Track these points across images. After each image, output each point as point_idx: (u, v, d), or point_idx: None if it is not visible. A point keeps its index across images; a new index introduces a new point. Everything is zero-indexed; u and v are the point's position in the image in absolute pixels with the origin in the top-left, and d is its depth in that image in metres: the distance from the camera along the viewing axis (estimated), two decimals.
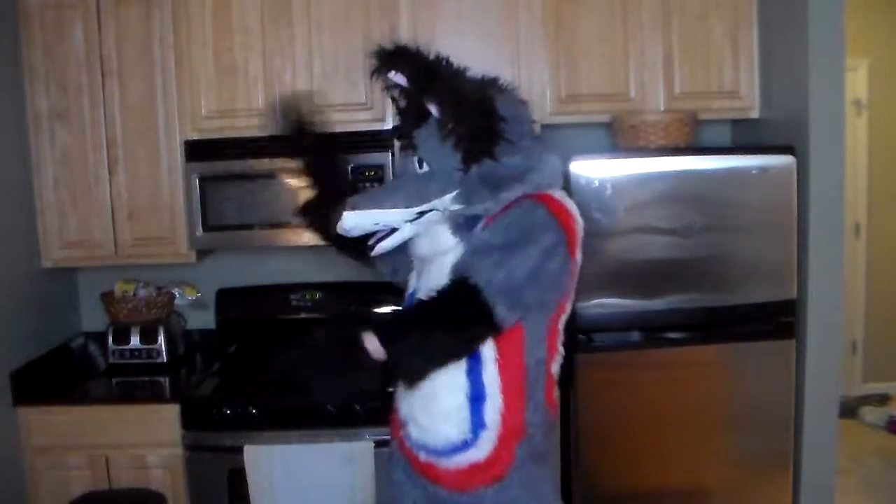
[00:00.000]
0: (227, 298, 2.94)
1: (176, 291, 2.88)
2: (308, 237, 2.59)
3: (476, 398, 1.60)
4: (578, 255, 1.61)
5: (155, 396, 2.63)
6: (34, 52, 2.62)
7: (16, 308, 2.58)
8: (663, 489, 2.44)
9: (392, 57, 1.55)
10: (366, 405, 2.36)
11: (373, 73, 1.59)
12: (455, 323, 1.52)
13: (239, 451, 2.33)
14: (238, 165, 2.60)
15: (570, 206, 1.61)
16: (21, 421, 2.50)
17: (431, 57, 1.56)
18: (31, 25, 2.62)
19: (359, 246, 1.74)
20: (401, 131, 1.69)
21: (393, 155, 2.54)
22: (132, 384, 2.72)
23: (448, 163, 1.57)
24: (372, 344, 1.56)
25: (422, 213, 1.60)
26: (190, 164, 2.61)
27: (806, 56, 2.34)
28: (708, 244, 2.39)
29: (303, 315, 2.91)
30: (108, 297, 2.83)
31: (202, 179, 2.61)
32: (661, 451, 2.41)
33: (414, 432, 1.67)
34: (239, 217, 2.62)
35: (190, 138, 2.63)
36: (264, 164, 2.61)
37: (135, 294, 2.82)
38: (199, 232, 2.63)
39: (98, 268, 2.86)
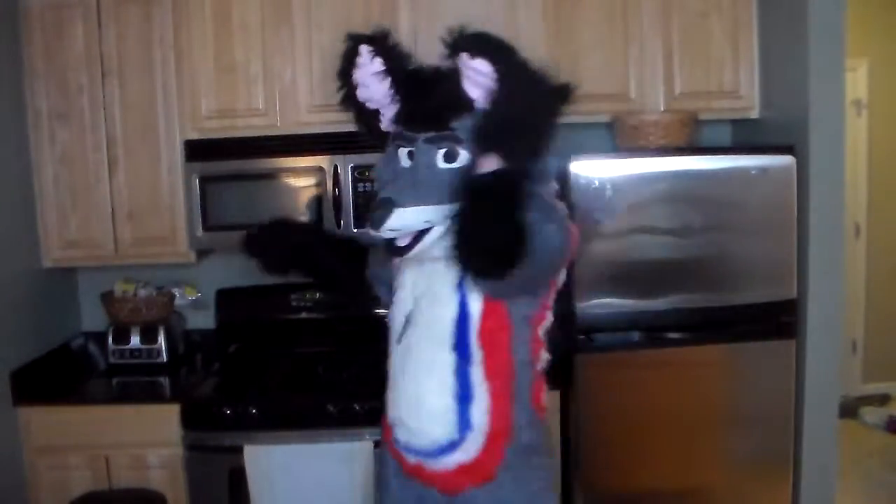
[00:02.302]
0: (227, 298, 2.94)
1: (176, 291, 2.88)
2: None
3: (463, 399, 1.61)
4: (562, 274, 1.66)
5: (155, 396, 2.63)
6: (34, 52, 2.63)
7: (16, 308, 2.58)
8: (663, 489, 2.44)
9: (476, 41, 1.46)
10: (366, 405, 2.36)
11: (450, 55, 1.48)
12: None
13: (239, 451, 2.33)
14: (238, 165, 2.60)
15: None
16: (21, 421, 2.50)
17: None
18: (31, 25, 2.62)
19: (353, 278, 1.82)
20: (428, 124, 1.56)
21: None
22: (132, 384, 2.72)
23: None
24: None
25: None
26: (190, 164, 2.61)
27: (806, 56, 2.34)
28: (708, 244, 2.39)
29: (303, 315, 2.91)
30: (108, 297, 2.83)
31: (202, 179, 2.61)
32: (661, 451, 2.41)
33: (402, 435, 1.68)
34: (239, 217, 2.61)
35: (190, 138, 2.63)
36: (264, 164, 2.61)
37: (135, 294, 2.82)
38: (199, 232, 2.63)
39: (98, 268, 2.86)
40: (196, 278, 2.94)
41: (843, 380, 2.67)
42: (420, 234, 1.57)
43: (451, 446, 1.62)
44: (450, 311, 1.61)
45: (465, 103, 1.51)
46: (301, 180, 2.60)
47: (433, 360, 1.62)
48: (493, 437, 1.63)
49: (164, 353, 2.78)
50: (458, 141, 1.54)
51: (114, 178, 2.67)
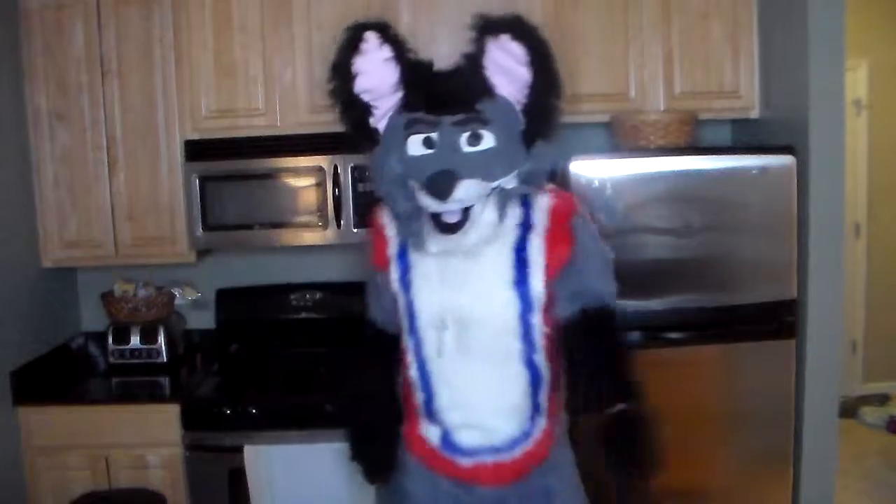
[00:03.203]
0: (227, 298, 2.94)
1: (176, 291, 2.88)
2: (308, 237, 2.62)
3: (534, 386, 1.59)
4: None
5: (155, 396, 2.63)
6: (34, 52, 2.63)
7: (16, 308, 2.58)
8: (663, 489, 2.43)
9: (511, 24, 1.46)
10: None
11: (482, 38, 1.48)
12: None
13: (239, 451, 2.33)
14: (238, 165, 2.60)
15: None
16: (21, 421, 2.50)
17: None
18: (31, 25, 2.62)
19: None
20: (453, 106, 1.53)
21: None
22: (132, 384, 2.72)
23: (514, 139, 1.53)
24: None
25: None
26: (190, 164, 2.61)
27: (806, 56, 2.33)
28: (708, 244, 2.39)
29: (303, 315, 2.91)
30: (108, 297, 2.83)
31: (202, 179, 2.61)
32: (660, 450, 2.41)
33: (468, 438, 1.61)
34: (239, 217, 2.62)
35: (190, 138, 2.63)
36: (264, 164, 2.61)
37: (135, 294, 2.82)
38: (199, 232, 2.63)
39: (98, 268, 2.86)
40: (196, 278, 2.94)
41: (843, 380, 2.67)
42: (465, 213, 1.52)
43: (525, 436, 1.61)
44: (511, 302, 1.56)
45: (489, 86, 1.51)
46: (301, 180, 2.60)
47: (503, 352, 1.57)
48: (551, 418, 1.64)
49: (164, 353, 2.78)
50: (486, 122, 1.51)
51: (114, 178, 2.67)
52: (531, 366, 1.59)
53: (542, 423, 1.63)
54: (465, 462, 1.62)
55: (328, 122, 2.55)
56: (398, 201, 1.57)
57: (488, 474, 1.62)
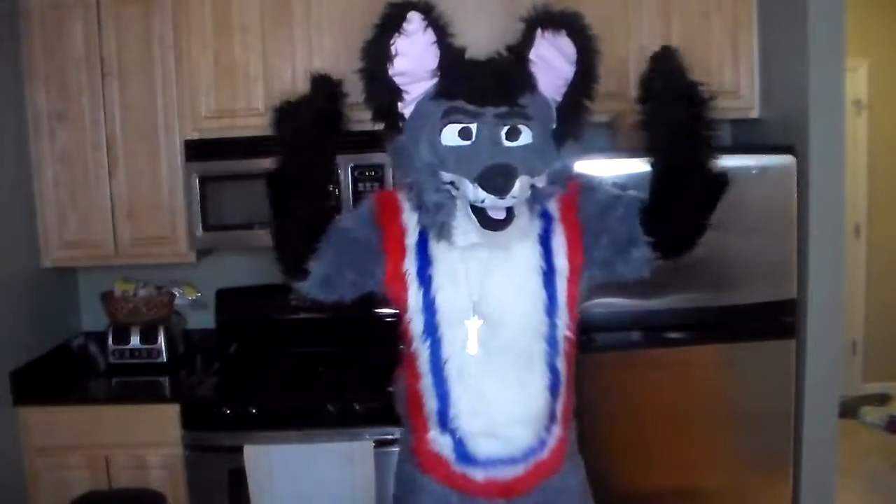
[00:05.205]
0: (227, 298, 2.94)
1: (176, 291, 2.88)
2: None
3: (554, 392, 1.54)
4: None
5: (155, 396, 2.63)
6: (34, 52, 2.63)
7: (16, 308, 2.58)
8: (663, 489, 2.44)
9: (569, 21, 1.47)
10: (366, 405, 2.36)
11: (533, 30, 1.47)
12: None
13: (239, 451, 2.33)
14: (238, 165, 2.60)
15: None
16: (21, 421, 2.50)
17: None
18: (31, 25, 2.62)
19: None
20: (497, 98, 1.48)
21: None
22: (132, 384, 2.72)
23: (548, 137, 1.50)
24: None
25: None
26: (190, 163, 2.61)
27: (806, 56, 2.33)
28: (708, 244, 2.36)
29: (303, 315, 2.91)
30: (108, 297, 2.83)
31: (202, 179, 2.60)
32: (660, 451, 2.41)
33: (485, 447, 1.53)
34: (239, 217, 2.62)
35: (190, 138, 2.63)
36: (264, 164, 2.59)
37: (135, 294, 2.82)
38: (199, 232, 2.63)
39: (98, 268, 2.86)
40: (196, 278, 2.94)
41: (843, 380, 2.67)
42: (509, 210, 1.47)
43: (542, 445, 1.55)
44: (539, 299, 1.52)
45: (533, 81, 1.49)
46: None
47: (528, 354, 1.51)
48: (565, 426, 1.59)
49: (164, 353, 2.78)
50: (528, 118, 1.48)
51: (114, 178, 2.67)
52: (553, 370, 1.54)
53: (557, 431, 1.59)
54: (478, 475, 1.55)
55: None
56: (428, 191, 1.49)
57: (499, 489, 1.56)
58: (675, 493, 2.45)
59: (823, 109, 2.34)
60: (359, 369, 2.64)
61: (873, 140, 4.46)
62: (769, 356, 2.42)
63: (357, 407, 2.37)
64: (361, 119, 2.71)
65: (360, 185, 2.56)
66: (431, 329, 1.54)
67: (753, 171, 2.37)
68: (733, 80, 2.62)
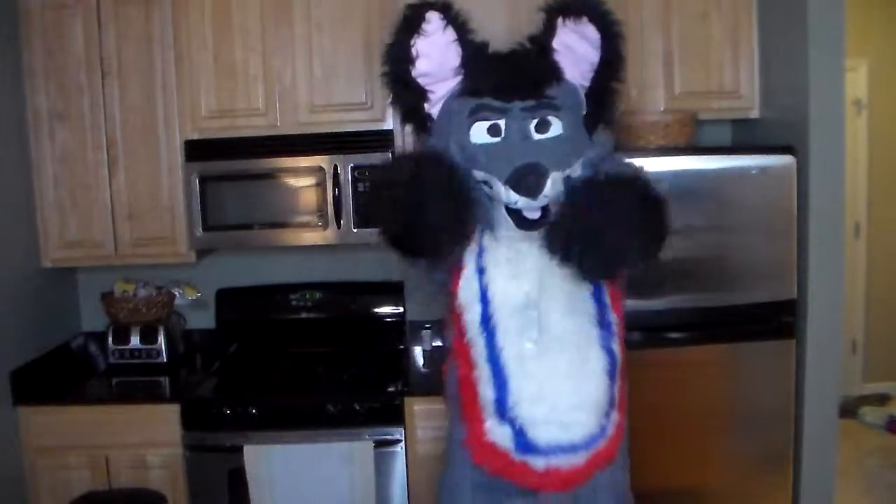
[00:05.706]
0: (227, 298, 2.94)
1: (176, 291, 2.88)
2: (308, 237, 2.62)
3: (612, 376, 1.52)
4: None
5: (155, 396, 2.63)
6: (34, 52, 2.62)
7: (16, 308, 2.58)
8: (663, 488, 2.44)
9: (589, 6, 1.45)
10: (366, 405, 2.36)
11: (554, 19, 1.46)
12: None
13: (239, 451, 2.33)
14: (238, 165, 2.60)
15: None
16: (21, 421, 2.50)
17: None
18: (31, 25, 2.62)
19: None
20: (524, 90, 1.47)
21: (393, 154, 2.53)
22: (132, 384, 2.72)
23: (578, 125, 1.49)
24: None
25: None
26: (190, 164, 2.61)
27: (806, 56, 2.33)
28: (708, 244, 2.39)
29: (303, 315, 2.91)
30: (108, 297, 2.83)
31: (202, 179, 2.60)
32: (660, 450, 2.41)
33: (546, 435, 1.50)
34: (239, 217, 2.62)
35: (190, 138, 2.63)
36: (264, 164, 2.61)
37: (135, 294, 2.82)
38: (199, 232, 2.63)
39: (98, 268, 2.86)
40: (196, 278, 2.94)
41: (843, 380, 2.67)
42: (545, 208, 1.47)
43: (602, 432, 1.53)
44: (585, 284, 1.51)
45: (559, 70, 1.47)
46: (301, 180, 2.60)
47: (583, 337, 1.50)
48: (622, 412, 1.58)
49: (164, 353, 2.78)
50: (557, 109, 1.47)
51: (114, 178, 2.67)
52: (610, 353, 1.52)
53: (616, 417, 1.56)
54: (539, 464, 1.52)
55: (328, 122, 2.59)
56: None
57: (559, 480, 1.53)
58: (676, 493, 2.45)
59: (823, 109, 2.34)
60: (359, 369, 2.64)
61: (873, 140, 4.45)
62: (769, 356, 2.42)
63: (357, 407, 2.37)
64: (362, 119, 2.74)
65: (360, 186, 2.56)
66: (486, 318, 1.52)
67: (753, 172, 2.37)
68: (733, 80, 2.62)
